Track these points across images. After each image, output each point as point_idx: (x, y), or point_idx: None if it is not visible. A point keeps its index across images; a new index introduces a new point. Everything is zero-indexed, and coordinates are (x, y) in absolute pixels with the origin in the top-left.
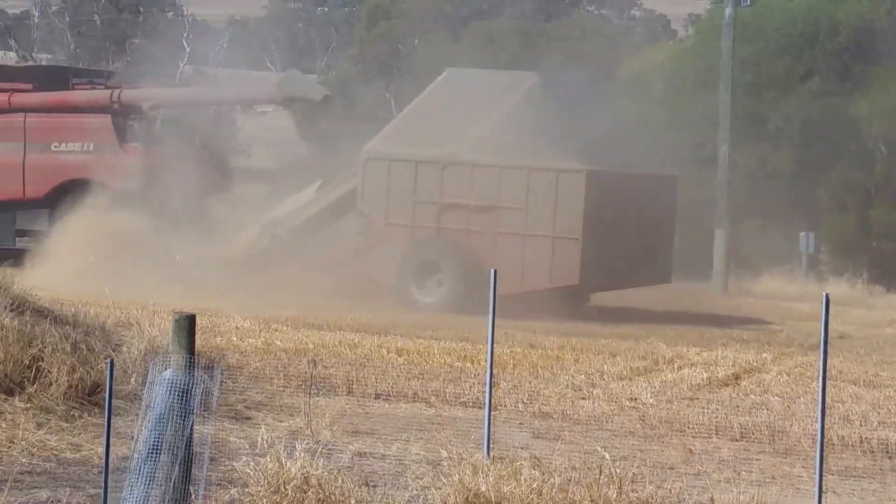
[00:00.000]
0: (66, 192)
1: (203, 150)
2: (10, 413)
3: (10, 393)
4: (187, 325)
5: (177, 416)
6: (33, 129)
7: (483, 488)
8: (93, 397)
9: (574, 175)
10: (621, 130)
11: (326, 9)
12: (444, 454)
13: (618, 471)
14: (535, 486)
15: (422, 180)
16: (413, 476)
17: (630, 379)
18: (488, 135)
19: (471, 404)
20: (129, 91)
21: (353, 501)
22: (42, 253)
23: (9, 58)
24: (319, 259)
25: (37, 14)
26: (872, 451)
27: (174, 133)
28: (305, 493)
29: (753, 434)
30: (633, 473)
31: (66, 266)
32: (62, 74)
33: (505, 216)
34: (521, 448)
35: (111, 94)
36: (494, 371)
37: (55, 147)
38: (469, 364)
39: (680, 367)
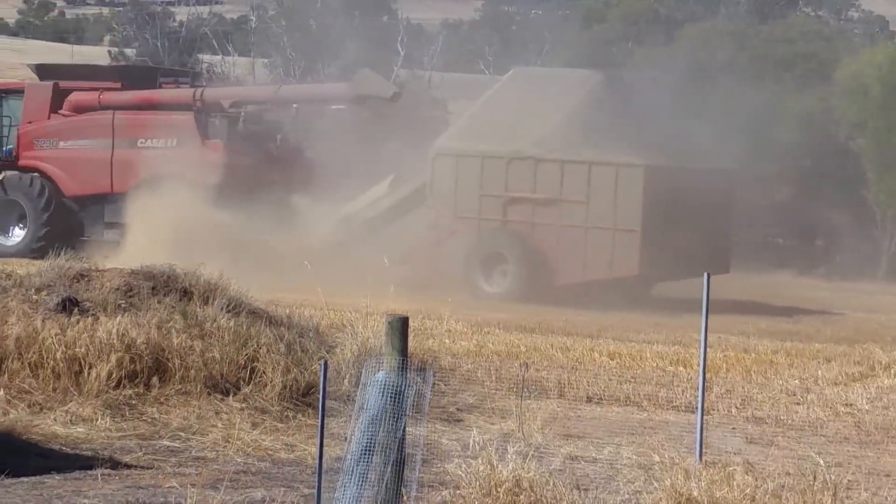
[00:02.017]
0: (150, 187)
1: (283, 146)
2: (225, 413)
3: (225, 393)
4: (400, 327)
5: (389, 417)
6: (121, 126)
7: (695, 493)
8: (306, 398)
9: (633, 169)
10: (683, 126)
11: (540, 11)
12: (656, 458)
13: (832, 477)
14: (747, 491)
15: (488, 175)
16: (624, 480)
17: (845, 384)
18: (552, 131)
19: (683, 408)
20: (211, 89)
21: None
22: (126, 244)
23: (227, 62)
24: (392, 251)
25: (253, 19)
26: None
27: (255, 130)
28: (517, 496)
29: None
30: (848, 480)
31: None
32: (150, 74)
33: (567, 209)
34: (734, 453)
35: (194, 92)
36: (707, 375)
37: (141, 143)
38: (681, 368)
39: None
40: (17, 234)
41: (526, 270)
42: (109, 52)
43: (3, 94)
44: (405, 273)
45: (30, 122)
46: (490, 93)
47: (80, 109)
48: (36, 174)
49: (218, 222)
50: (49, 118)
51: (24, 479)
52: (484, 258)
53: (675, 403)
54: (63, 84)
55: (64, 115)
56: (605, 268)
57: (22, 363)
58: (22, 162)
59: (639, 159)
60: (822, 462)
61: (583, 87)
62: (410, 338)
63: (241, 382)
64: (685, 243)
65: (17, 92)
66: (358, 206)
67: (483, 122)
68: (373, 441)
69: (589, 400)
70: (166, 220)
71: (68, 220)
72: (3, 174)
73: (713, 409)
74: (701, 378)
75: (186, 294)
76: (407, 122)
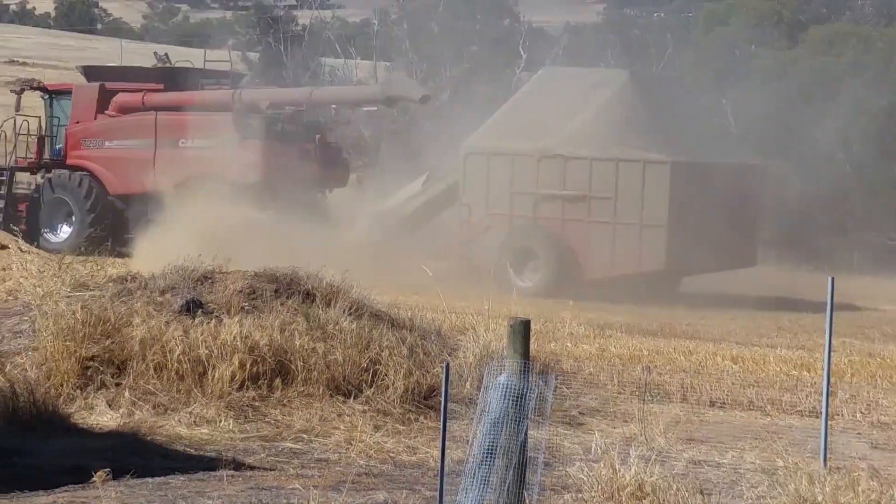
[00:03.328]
0: (190, 186)
1: (320, 145)
2: (348, 415)
3: (348, 395)
4: (522, 330)
5: (511, 420)
6: (163, 127)
7: (819, 499)
8: (428, 401)
9: (660, 166)
10: (707, 123)
11: (662, 14)
12: (780, 463)
13: None
14: (872, 497)
15: (518, 172)
16: (748, 485)
17: None
18: (581, 129)
19: (807, 413)
20: (249, 91)
21: None
22: (155, 242)
23: (349, 65)
24: (427, 247)
25: (376, 22)
26: None
27: (293, 130)
28: (640, 500)
29: None
30: None
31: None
32: (192, 75)
33: (596, 205)
34: (859, 458)
35: (233, 93)
36: (831, 380)
37: (182, 143)
38: (805, 373)
39: None
40: (65, 231)
41: (556, 265)
42: (155, 53)
43: (53, 95)
44: (438, 269)
45: (77, 123)
46: (520, 92)
47: (124, 110)
48: (83, 173)
49: (255, 220)
50: (95, 118)
51: (149, 479)
52: (515, 254)
53: (798, 408)
54: (109, 85)
55: (109, 116)
56: (633, 262)
57: (146, 365)
58: (70, 161)
59: (665, 156)
60: None
61: (610, 86)
62: (532, 341)
63: (364, 385)
64: (712, 238)
65: (65, 93)
66: (393, 203)
67: (513, 121)
68: (495, 444)
69: (712, 404)
70: (204, 218)
71: (113, 217)
72: (51, 173)
73: (837, 414)
74: (825, 383)
75: (309, 296)
76: None
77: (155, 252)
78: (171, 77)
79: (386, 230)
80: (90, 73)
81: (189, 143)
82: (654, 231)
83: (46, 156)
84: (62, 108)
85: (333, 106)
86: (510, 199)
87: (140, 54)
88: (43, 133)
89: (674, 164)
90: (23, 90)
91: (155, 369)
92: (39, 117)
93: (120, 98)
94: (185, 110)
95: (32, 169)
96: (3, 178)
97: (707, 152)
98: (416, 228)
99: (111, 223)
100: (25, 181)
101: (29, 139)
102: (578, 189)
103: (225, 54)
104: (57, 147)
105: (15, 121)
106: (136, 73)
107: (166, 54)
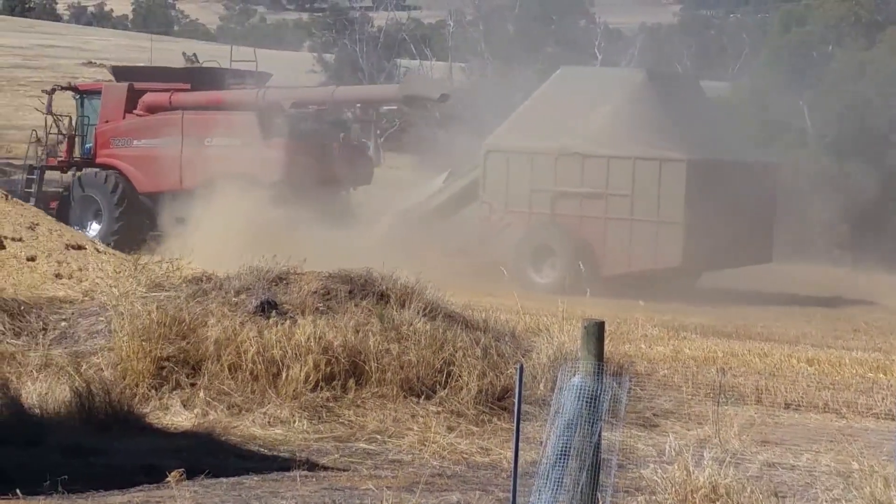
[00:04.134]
0: (216, 184)
1: (344, 144)
2: (422, 416)
3: (421, 396)
4: (596, 331)
5: (585, 422)
6: (189, 126)
7: (895, 502)
8: (502, 402)
9: (676, 164)
10: (721, 121)
11: (739, 15)
12: (855, 466)
13: None
14: None
15: (537, 170)
16: (823, 488)
17: None
18: (598, 127)
19: (883, 416)
20: (273, 91)
21: None
22: (194, 238)
23: (425, 66)
24: (448, 243)
25: (451, 23)
26: None
27: (316, 128)
28: (714, 502)
29: None
30: None
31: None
32: (219, 75)
33: (613, 203)
34: None
35: (257, 93)
36: None
37: (208, 142)
38: (881, 375)
39: None
40: (94, 229)
41: (573, 262)
42: (184, 53)
43: (84, 95)
44: (459, 265)
45: (106, 122)
46: (538, 91)
47: (152, 109)
48: (112, 171)
49: (279, 218)
50: (124, 118)
51: (223, 479)
52: (534, 250)
53: (874, 411)
54: (138, 85)
55: (137, 115)
56: (650, 259)
57: (221, 365)
58: (99, 160)
59: (681, 154)
60: None
61: (627, 86)
62: (606, 342)
63: (437, 386)
64: (728, 235)
65: (95, 93)
66: (415, 200)
67: (532, 120)
68: (568, 445)
69: (787, 406)
70: (228, 216)
71: (141, 215)
72: (81, 171)
73: None
74: None
75: (383, 297)
76: None
77: (182, 250)
78: (198, 77)
79: (408, 227)
80: (119, 73)
81: (215, 141)
82: (671, 228)
83: (77, 154)
84: (93, 108)
85: (358, 105)
86: (529, 196)
87: (213, 55)
88: (73, 132)
89: (690, 161)
90: (54, 90)
91: (229, 370)
92: (70, 116)
93: (148, 98)
94: (210, 110)
95: (63, 168)
96: (35, 176)
97: (724, 150)
98: (437, 225)
99: (139, 221)
100: (56, 179)
101: (59, 138)
102: (596, 187)
103: (301, 56)
104: (87, 146)
105: (46, 120)
106: (164, 73)
107: (195, 54)
